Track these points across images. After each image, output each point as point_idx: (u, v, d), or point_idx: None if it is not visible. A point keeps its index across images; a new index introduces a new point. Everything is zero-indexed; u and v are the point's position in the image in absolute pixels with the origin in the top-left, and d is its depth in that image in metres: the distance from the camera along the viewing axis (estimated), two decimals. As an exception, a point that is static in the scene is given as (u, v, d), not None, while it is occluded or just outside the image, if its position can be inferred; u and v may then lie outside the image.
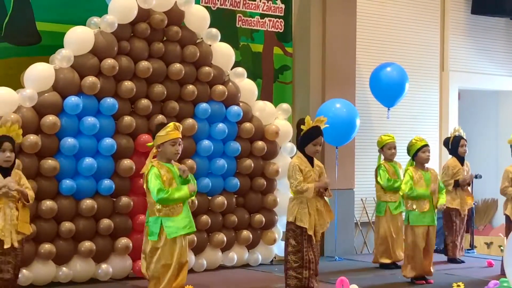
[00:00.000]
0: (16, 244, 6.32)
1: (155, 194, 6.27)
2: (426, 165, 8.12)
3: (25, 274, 7.10)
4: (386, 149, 8.87)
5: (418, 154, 8.05)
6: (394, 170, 8.82)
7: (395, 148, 8.85)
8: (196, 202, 7.58)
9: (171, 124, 6.51)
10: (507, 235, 7.82)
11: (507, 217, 8.52)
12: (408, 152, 8.17)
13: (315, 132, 6.92)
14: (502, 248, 9.70)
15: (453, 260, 9.17)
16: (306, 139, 6.93)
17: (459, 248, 9.26)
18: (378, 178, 8.89)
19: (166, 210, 6.45)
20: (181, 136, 6.54)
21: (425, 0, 11.43)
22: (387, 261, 8.79)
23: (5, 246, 6.25)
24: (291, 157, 8.23)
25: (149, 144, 6.70)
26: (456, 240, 9.26)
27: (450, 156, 9.25)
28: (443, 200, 8.21)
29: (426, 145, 8.10)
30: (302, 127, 6.91)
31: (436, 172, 8.17)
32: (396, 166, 8.96)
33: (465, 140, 9.19)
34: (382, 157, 8.95)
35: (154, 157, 6.53)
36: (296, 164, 6.86)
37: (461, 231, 9.30)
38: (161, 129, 6.49)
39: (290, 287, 6.82)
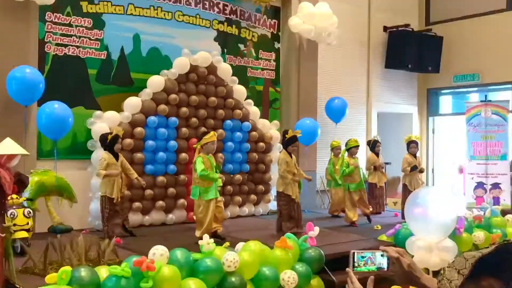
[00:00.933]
0: (118, 198, 6.51)
1: (199, 171, 6.31)
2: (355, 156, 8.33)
3: None
4: (335, 149, 8.98)
5: (351, 149, 8.23)
6: (339, 163, 8.71)
7: (340, 149, 8.87)
8: (224, 178, 7.60)
9: (212, 132, 6.71)
10: (404, 196, 8.11)
11: (404, 185, 8.57)
12: (346, 146, 8.41)
13: (294, 139, 7.20)
14: (395, 203, 9.93)
15: (374, 213, 8.94)
16: (289, 142, 7.19)
17: (380, 205, 9.21)
18: (328, 166, 9.02)
19: (202, 183, 6.41)
20: (216, 140, 6.64)
21: (358, 58, 11.30)
22: (337, 213, 8.87)
23: (114, 201, 6.45)
24: (279, 152, 8.35)
25: (195, 145, 6.73)
26: (376, 201, 9.15)
27: (371, 152, 9.28)
28: (365, 174, 8.51)
29: (358, 146, 8.37)
30: (286, 135, 7.30)
31: (357, 159, 8.37)
32: (340, 160, 8.83)
33: (380, 142, 9.25)
34: (332, 153, 8.99)
35: (199, 152, 6.52)
36: (283, 158, 7.18)
37: (379, 196, 9.22)
38: (205, 135, 6.59)
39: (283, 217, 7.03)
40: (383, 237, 6.68)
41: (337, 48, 10.42)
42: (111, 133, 6.62)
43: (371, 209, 8.33)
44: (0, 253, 4.58)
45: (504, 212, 8.25)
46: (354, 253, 1.89)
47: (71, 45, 7.40)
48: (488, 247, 1.43)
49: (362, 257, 1.88)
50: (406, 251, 1.99)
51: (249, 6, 9.27)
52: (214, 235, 6.40)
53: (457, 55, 11.81)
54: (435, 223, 4.70)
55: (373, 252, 1.89)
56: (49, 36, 7.22)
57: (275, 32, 9.76)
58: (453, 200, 5.43)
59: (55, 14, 7.24)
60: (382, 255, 1.88)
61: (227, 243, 5.25)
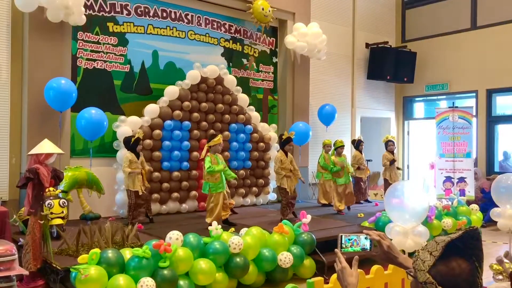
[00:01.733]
0: (143, 191, 6.52)
1: (207, 168, 6.34)
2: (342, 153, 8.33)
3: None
4: (326, 147, 8.80)
5: (337, 150, 8.24)
6: (329, 158, 8.69)
7: (330, 146, 8.77)
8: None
9: (219, 135, 6.68)
10: (385, 189, 8.10)
11: (385, 179, 8.58)
12: (334, 145, 8.38)
13: (288, 139, 7.26)
14: (376, 194, 9.92)
15: (358, 202, 9.05)
16: (284, 143, 7.22)
17: (363, 195, 9.21)
18: (319, 160, 8.83)
19: (211, 178, 6.39)
20: (222, 142, 6.63)
21: (344, 71, 11.27)
22: (325, 202, 8.77)
23: (140, 194, 6.45)
24: (277, 151, 8.36)
25: (207, 145, 6.65)
26: (360, 193, 9.17)
27: (355, 150, 9.31)
28: (351, 169, 8.33)
29: (343, 146, 8.33)
30: (282, 137, 7.26)
31: (345, 157, 8.38)
32: (329, 156, 8.80)
33: (363, 142, 9.33)
34: (324, 150, 8.86)
35: (207, 151, 6.52)
36: (278, 157, 7.22)
37: (363, 188, 9.23)
38: (213, 137, 6.60)
39: (283, 206, 7.05)
40: (366, 223, 6.70)
41: (326, 62, 10.44)
42: (134, 136, 6.62)
43: (350, 204, 8.17)
44: (39, 237, 4.64)
45: (468, 202, 8.28)
46: (341, 236, 1.90)
47: (99, 60, 7.42)
48: (455, 232, 1.44)
49: (349, 239, 1.89)
50: (386, 235, 2.00)
51: (251, 26, 9.25)
52: (225, 221, 6.44)
53: (429, 68, 11.83)
54: (410, 211, 4.70)
55: (358, 235, 1.90)
56: (80, 52, 7.23)
57: (273, 49, 9.76)
58: (425, 192, 5.43)
59: (85, 33, 7.26)
60: (365, 238, 1.89)
61: (233, 229, 5.28)
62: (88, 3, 7.22)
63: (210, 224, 6.07)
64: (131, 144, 6.52)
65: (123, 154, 6.76)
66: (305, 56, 9.58)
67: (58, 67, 6.83)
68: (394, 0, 12.53)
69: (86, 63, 7.28)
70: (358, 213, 7.85)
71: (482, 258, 1.45)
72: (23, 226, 5.44)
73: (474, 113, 10.22)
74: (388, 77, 11.48)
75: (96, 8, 7.38)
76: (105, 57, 7.47)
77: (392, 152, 8.65)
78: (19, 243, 4.99)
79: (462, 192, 9.30)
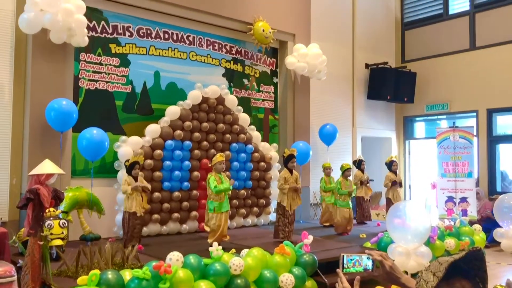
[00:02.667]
0: (141, 214, 6.43)
1: (213, 188, 6.32)
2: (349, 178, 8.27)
3: (144, 229, 7.25)
4: (326, 169, 8.92)
5: (344, 173, 8.16)
6: (329, 180, 8.78)
7: (330, 169, 8.88)
8: (230, 192, 7.06)
9: (218, 154, 6.68)
10: (387, 209, 8.05)
11: (388, 199, 8.56)
12: (341, 169, 8.32)
13: (290, 156, 7.11)
14: (378, 214, 9.87)
15: (360, 222, 9.08)
16: (287, 160, 7.09)
17: (365, 216, 9.16)
18: (321, 185, 8.92)
19: (216, 198, 6.38)
20: (223, 160, 6.56)
21: (344, 91, 11.34)
22: (327, 224, 8.76)
23: (138, 215, 6.35)
24: (279, 171, 8.52)
25: (210, 164, 6.72)
26: (362, 213, 9.14)
27: (357, 170, 9.27)
28: (354, 193, 8.40)
29: (350, 168, 8.36)
30: (284, 155, 7.17)
31: (351, 182, 8.31)
32: (331, 179, 8.89)
33: (364, 161, 9.30)
34: (324, 174, 8.94)
35: (210, 170, 6.56)
36: (282, 174, 7.14)
37: (365, 208, 9.17)
38: (215, 157, 6.59)
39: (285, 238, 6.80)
40: (368, 244, 6.63)
41: (326, 82, 10.49)
42: (134, 159, 6.57)
43: (349, 228, 8.03)
44: (39, 259, 4.58)
45: (471, 222, 8.22)
46: (343, 256, 1.88)
47: (101, 81, 7.46)
48: (458, 253, 1.43)
49: (351, 259, 1.88)
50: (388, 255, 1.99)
51: (252, 47, 9.36)
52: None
53: (429, 88, 11.90)
54: (412, 232, 4.68)
55: (360, 255, 1.89)
56: (82, 73, 7.26)
57: (274, 69, 9.82)
58: (427, 213, 5.42)
59: (88, 54, 7.31)
60: (368, 258, 1.88)
61: (234, 250, 5.22)
62: (91, 25, 7.30)
63: (211, 245, 6.07)
64: (127, 167, 6.50)
65: (124, 174, 6.69)
66: (306, 76, 9.64)
67: (60, 88, 6.86)
68: (393, 21, 12.70)
69: (88, 84, 7.32)
70: (360, 233, 7.80)
71: (486, 280, 1.43)
72: (23, 247, 5.39)
73: (475, 133, 10.24)
74: (388, 97, 11.52)
75: (99, 30, 7.47)
76: (107, 77, 7.50)
77: (395, 173, 8.63)
78: (18, 265, 4.95)
79: (464, 212, 9.25)
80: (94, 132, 6.69)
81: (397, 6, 12.74)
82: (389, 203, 8.46)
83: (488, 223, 8.59)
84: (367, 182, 9.16)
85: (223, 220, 6.40)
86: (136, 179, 6.48)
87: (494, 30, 10.88)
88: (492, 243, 7.74)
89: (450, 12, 11.82)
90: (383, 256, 1.84)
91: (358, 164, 9.24)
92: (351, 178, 8.47)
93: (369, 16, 11.99)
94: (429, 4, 12.23)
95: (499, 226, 7.18)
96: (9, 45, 6.74)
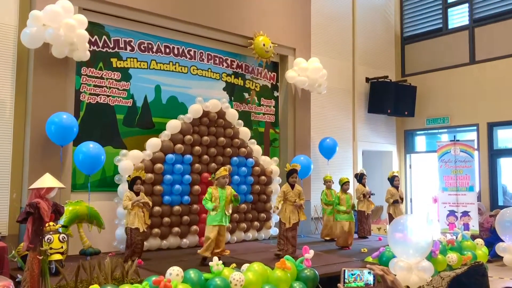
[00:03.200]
0: (144, 229, 6.42)
1: (203, 199, 6.43)
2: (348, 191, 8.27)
3: (145, 244, 7.04)
4: (327, 182, 8.94)
5: (343, 186, 8.17)
6: (331, 193, 8.78)
7: (331, 182, 8.91)
8: (232, 205, 6.97)
9: (222, 168, 6.63)
10: (389, 224, 8.02)
11: (389, 214, 8.50)
12: (339, 183, 8.33)
13: (291, 171, 7.13)
14: (379, 229, 9.81)
15: (362, 237, 9.04)
16: (288, 175, 7.12)
17: (366, 231, 9.13)
18: (322, 197, 8.97)
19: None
20: (226, 174, 6.51)
21: (344, 104, 11.40)
22: (328, 238, 8.74)
23: (141, 230, 6.33)
24: (279, 185, 8.49)
25: (210, 178, 6.67)
26: (363, 227, 9.10)
27: (358, 183, 9.26)
28: (355, 207, 8.35)
29: (348, 181, 8.33)
30: (285, 169, 7.18)
31: (351, 196, 8.24)
32: (332, 191, 8.89)
33: (365, 175, 9.34)
34: (325, 186, 8.94)
35: (211, 184, 6.57)
36: (282, 189, 7.12)
37: (367, 222, 9.15)
38: (217, 171, 6.57)
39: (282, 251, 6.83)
40: (369, 259, 6.59)
41: (327, 96, 10.57)
42: (135, 175, 6.56)
43: (350, 242, 7.96)
44: (38, 273, 4.54)
45: (473, 237, 8.16)
46: (344, 270, 1.87)
47: (102, 95, 7.48)
48: (460, 268, 1.43)
49: (352, 274, 1.86)
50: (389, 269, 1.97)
51: (253, 61, 9.42)
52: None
53: (429, 102, 11.93)
54: (414, 246, 4.65)
55: (361, 270, 1.88)
56: (84, 87, 7.29)
57: (274, 83, 9.86)
58: (429, 227, 5.40)
59: (89, 68, 7.34)
60: (369, 273, 1.87)
61: (234, 264, 5.18)
62: (93, 39, 7.35)
63: (204, 258, 5.94)
64: (129, 183, 6.49)
65: (125, 188, 6.72)
66: (306, 90, 9.68)
67: (62, 101, 6.87)
68: (393, 35, 12.80)
69: (89, 98, 7.33)
70: (361, 248, 7.75)
71: (488, 295, 1.43)
72: (22, 261, 5.35)
73: (475, 146, 10.22)
74: (389, 111, 11.57)
75: (100, 44, 7.52)
76: (108, 91, 7.53)
77: (397, 188, 8.60)
78: (17, 279, 4.90)
79: (466, 227, 9.19)
80: (90, 146, 6.66)
81: (397, 21, 12.85)
82: (390, 219, 8.42)
83: (492, 237, 8.54)
84: (369, 196, 9.14)
85: (213, 233, 6.27)
86: (137, 194, 6.46)
87: (493, 44, 10.95)
88: (495, 257, 7.66)
89: (450, 27, 11.91)
90: (385, 271, 1.83)
91: (360, 177, 9.23)
92: (350, 191, 8.47)
93: (369, 31, 12.09)
94: (428, 19, 12.33)
95: (502, 241, 7.14)
96: (11, 59, 6.78)
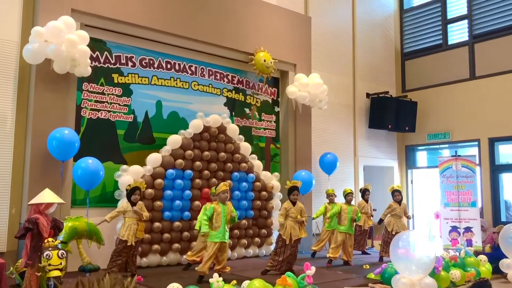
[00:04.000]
0: (132, 243, 6.26)
1: (202, 214, 6.38)
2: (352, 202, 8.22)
3: (144, 260, 7.25)
4: (329, 197, 8.90)
5: (346, 198, 8.08)
6: (331, 207, 8.62)
7: (333, 195, 8.86)
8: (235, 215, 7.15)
9: (221, 183, 6.55)
10: (383, 237, 7.96)
11: (385, 227, 8.47)
12: (343, 194, 8.33)
13: (292, 188, 7.11)
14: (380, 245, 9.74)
15: (363, 252, 9.07)
16: (289, 192, 7.11)
17: (361, 245, 9.16)
18: (322, 209, 8.79)
19: (211, 226, 6.22)
20: (227, 189, 6.43)
21: (345, 120, 11.46)
22: (315, 248, 8.75)
23: (128, 244, 6.23)
24: (280, 200, 8.42)
25: (210, 193, 6.62)
26: (358, 241, 9.10)
27: (361, 199, 9.20)
28: (360, 218, 8.30)
29: (351, 192, 8.26)
30: (285, 186, 7.14)
31: (356, 207, 8.24)
32: (334, 205, 8.67)
33: (369, 191, 9.29)
34: (327, 200, 8.89)
35: (210, 200, 6.49)
36: (284, 206, 7.08)
37: (363, 237, 9.18)
38: (217, 186, 6.50)
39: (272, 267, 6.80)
40: (371, 275, 6.49)
41: (328, 111, 10.61)
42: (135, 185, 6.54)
43: (350, 257, 7.91)
44: (36, 290, 4.50)
45: (476, 253, 8.07)
46: None
47: (103, 110, 7.49)
48: (465, 284, 1.41)
49: None
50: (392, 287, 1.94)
51: (253, 77, 9.45)
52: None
53: (430, 117, 11.96)
54: (416, 262, 4.59)
55: None
56: (85, 102, 7.31)
57: (275, 98, 9.88)
58: (431, 243, 5.35)
59: (90, 84, 7.37)
60: None
61: (234, 281, 5.12)
62: (94, 55, 7.40)
63: (202, 273, 5.87)
64: (127, 192, 6.45)
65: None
66: (307, 105, 9.71)
67: (63, 117, 6.87)
68: (393, 51, 12.89)
69: (90, 113, 7.35)
70: (363, 264, 7.70)
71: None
72: (20, 278, 5.30)
73: (477, 162, 10.20)
74: (390, 127, 11.61)
75: (102, 60, 7.56)
76: (109, 107, 7.55)
77: (398, 202, 8.54)
78: (14, 296, 4.88)
79: (469, 243, 9.11)
80: (89, 162, 6.64)
81: (397, 37, 12.95)
82: (385, 232, 8.35)
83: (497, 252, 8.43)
84: (371, 215, 9.05)
85: (212, 249, 6.16)
86: (134, 205, 6.38)
87: (493, 60, 11.00)
88: (498, 273, 7.57)
89: (449, 42, 11.99)
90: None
91: (363, 193, 9.19)
92: (353, 202, 8.42)
93: (369, 46, 12.18)
94: (428, 35, 12.43)
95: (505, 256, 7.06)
96: (13, 75, 6.81)
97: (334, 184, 9.85)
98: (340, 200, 8.81)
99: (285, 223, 6.89)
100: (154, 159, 7.51)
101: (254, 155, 8.83)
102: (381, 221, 8.50)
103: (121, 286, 5.01)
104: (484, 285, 1.47)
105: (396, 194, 8.57)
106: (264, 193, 8.71)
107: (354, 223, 8.08)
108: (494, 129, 10.74)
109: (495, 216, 10.42)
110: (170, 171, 7.53)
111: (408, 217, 8.62)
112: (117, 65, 7.73)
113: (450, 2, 12.10)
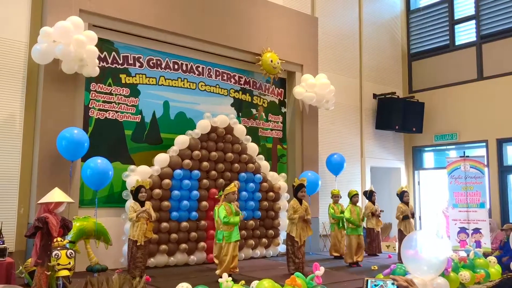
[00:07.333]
0: (142, 243, 6.29)
1: (222, 218, 6.26)
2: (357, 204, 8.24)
3: (152, 260, 7.24)
4: (334, 197, 8.83)
5: (352, 199, 8.06)
6: (338, 208, 8.72)
7: (338, 196, 8.81)
8: (245, 214, 7.48)
9: (232, 184, 6.65)
10: (400, 240, 7.93)
11: (400, 230, 8.35)
12: (348, 195, 8.29)
13: (300, 186, 7.11)
14: (388, 246, 9.68)
15: (372, 254, 8.95)
16: (297, 190, 7.06)
17: (375, 248, 9.03)
18: (329, 211, 8.82)
19: (225, 228, 6.30)
20: (236, 190, 6.51)
21: (352, 121, 11.41)
22: (337, 254, 8.64)
23: (138, 244, 6.26)
24: (287, 201, 8.41)
25: (217, 195, 6.62)
26: (372, 245, 9.02)
27: (367, 201, 9.14)
28: (364, 221, 8.28)
29: (357, 194, 8.21)
30: (293, 184, 7.13)
31: (361, 209, 8.26)
32: (339, 206, 8.77)
33: (375, 192, 9.13)
34: (332, 201, 8.86)
35: (222, 201, 6.46)
36: (291, 204, 7.06)
37: (377, 239, 9.05)
38: (227, 186, 6.58)
39: (297, 270, 6.65)
40: (380, 276, 6.34)
41: (334, 112, 10.62)
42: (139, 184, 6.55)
43: (360, 258, 7.91)
44: (45, 289, 4.50)
45: (485, 254, 8.01)
46: (367, 280, 1.84)
47: (111, 110, 7.51)
48: (491, 281, 1.39)
49: (375, 285, 1.83)
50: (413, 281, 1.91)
51: (260, 78, 9.45)
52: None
53: (437, 118, 11.90)
54: (428, 263, 4.55)
55: (385, 281, 1.84)
56: (93, 102, 7.33)
57: (282, 99, 9.88)
58: (442, 243, 5.30)
59: (98, 84, 7.40)
60: (392, 284, 1.83)
61: (243, 282, 5.10)
62: (102, 56, 7.42)
63: (221, 276, 5.89)
64: (133, 193, 6.46)
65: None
66: (314, 106, 9.68)
67: (70, 117, 6.89)
68: (400, 52, 12.86)
69: (98, 114, 7.37)
70: (371, 265, 7.64)
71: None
72: (29, 277, 5.30)
73: (485, 163, 10.13)
74: (397, 127, 11.57)
75: (110, 60, 7.58)
76: (117, 107, 7.56)
77: (407, 204, 8.51)
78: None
79: (478, 244, 9.04)
80: (98, 162, 6.67)
81: (404, 37, 12.92)
82: (401, 234, 8.28)
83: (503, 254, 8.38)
84: (379, 216, 9.05)
85: (230, 250, 6.27)
86: (142, 204, 6.41)
87: (501, 60, 10.94)
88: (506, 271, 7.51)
89: (457, 43, 11.94)
90: (409, 282, 1.78)
91: (369, 195, 9.13)
92: (359, 204, 8.38)
93: (376, 47, 12.16)
94: (435, 36, 12.38)
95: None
96: (21, 75, 6.84)
97: (341, 186, 9.80)
98: (344, 201, 8.79)
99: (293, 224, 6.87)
100: (161, 159, 7.51)
101: (261, 156, 8.83)
102: (406, 217, 8.35)
103: (129, 286, 5.01)
104: (510, 281, 1.45)
105: (406, 194, 8.54)
106: (271, 193, 8.69)
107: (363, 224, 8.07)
108: (502, 130, 10.66)
109: (503, 217, 10.34)
110: (178, 171, 7.53)
111: (413, 216, 8.61)
112: (125, 66, 7.73)
113: (458, 2, 12.05)
